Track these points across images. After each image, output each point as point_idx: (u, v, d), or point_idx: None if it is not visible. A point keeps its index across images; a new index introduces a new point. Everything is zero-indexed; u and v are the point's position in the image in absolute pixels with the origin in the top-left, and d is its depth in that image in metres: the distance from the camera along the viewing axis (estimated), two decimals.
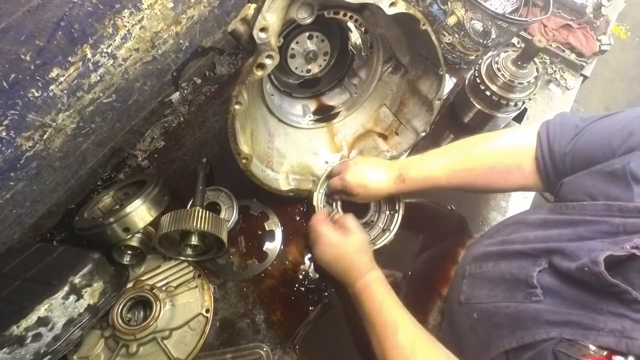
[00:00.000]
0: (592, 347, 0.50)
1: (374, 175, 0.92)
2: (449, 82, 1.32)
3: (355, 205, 1.09)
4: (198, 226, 0.86)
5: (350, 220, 0.91)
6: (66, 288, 0.75)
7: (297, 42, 0.94)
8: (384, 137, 1.16)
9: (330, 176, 1.02)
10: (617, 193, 0.60)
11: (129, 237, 0.89)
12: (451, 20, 1.21)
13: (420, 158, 0.92)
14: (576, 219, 0.64)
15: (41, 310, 0.72)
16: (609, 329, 0.51)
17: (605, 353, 0.49)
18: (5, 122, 0.78)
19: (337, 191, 0.98)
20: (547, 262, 0.61)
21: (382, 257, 1.00)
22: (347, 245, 0.86)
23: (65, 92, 0.87)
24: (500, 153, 0.83)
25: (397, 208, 1.03)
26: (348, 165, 0.96)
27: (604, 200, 0.62)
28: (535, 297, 0.60)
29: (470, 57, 1.30)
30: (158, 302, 0.87)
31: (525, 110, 1.18)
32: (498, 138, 0.87)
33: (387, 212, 1.05)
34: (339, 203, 1.00)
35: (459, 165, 0.86)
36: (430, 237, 1.10)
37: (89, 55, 0.87)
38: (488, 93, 1.09)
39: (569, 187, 0.71)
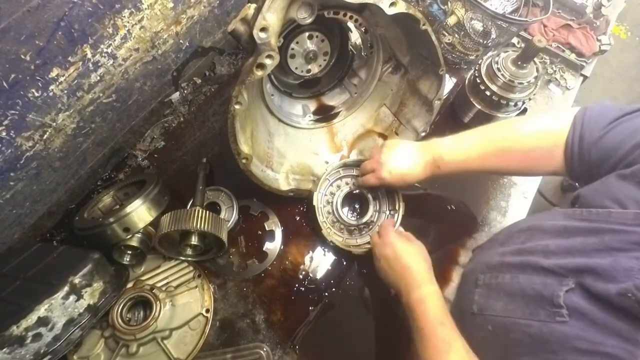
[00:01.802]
0: None
1: (409, 164, 0.91)
2: (449, 82, 1.32)
3: (356, 204, 1.10)
4: (198, 226, 0.86)
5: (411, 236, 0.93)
6: (66, 288, 0.75)
7: (297, 42, 0.94)
8: (384, 137, 1.16)
9: (359, 168, 1.04)
10: None
11: (129, 237, 0.89)
12: (451, 20, 1.21)
13: (453, 141, 0.90)
14: (601, 227, 0.60)
15: (41, 310, 0.72)
16: None
17: None
18: (5, 122, 0.78)
19: (372, 186, 0.99)
20: (574, 282, 0.58)
21: None
22: (411, 253, 0.86)
23: (65, 92, 0.87)
24: (535, 137, 0.82)
25: (397, 208, 1.04)
26: (380, 162, 0.94)
27: (635, 209, 0.58)
28: (560, 317, 0.56)
29: (470, 57, 1.30)
30: (158, 302, 0.87)
31: (525, 110, 1.18)
32: (534, 121, 0.86)
33: (387, 212, 1.05)
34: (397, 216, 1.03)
35: (492, 149, 0.85)
36: (430, 236, 1.10)
37: (89, 55, 0.87)
38: (488, 93, 1.09)
39: (590, 192, 0.68)
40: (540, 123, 0.84)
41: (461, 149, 0.88)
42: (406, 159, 0.92)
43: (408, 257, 0.85)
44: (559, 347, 0.55)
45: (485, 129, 0.90)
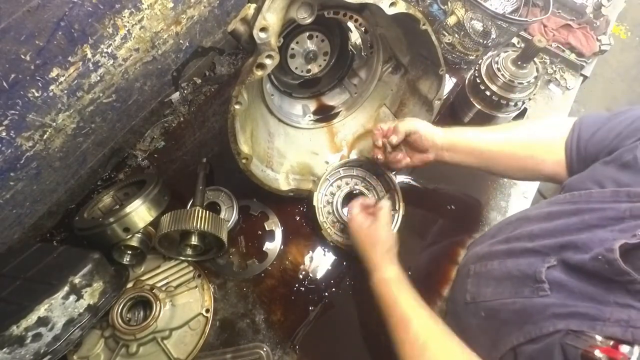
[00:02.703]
0: (599, 338, 0.50)
1: (422, 123, 0.92)
2: (449, 82, 1.32)
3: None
4: (198, 226, 0.86)
5: (383, 213, 0.90)
6: (66, 288, 0.75)
7: (297, 42, 0.94)
8: None
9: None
10: (627, 180, 0.61)
11: (129, 237, 0.89)
12: (451, 20, 1.21)
13: (464, 135, 0.92)
14: (582, 208, 0.63)
15: (41, 310, 0.72)
16: (615, 319, 0.51)
17: (611, 343, 0.49)
18: (5, 122, 0.78)
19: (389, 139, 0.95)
20: (556, 259, 0.61)
21: None
22: (371, 232, 0.88)
23: (65, 92, 0.87)
24: (536, 144, 0.84)
25: (397, 208, 1.04)
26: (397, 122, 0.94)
27: (613, 187, 0.62)
28: (542, 291, 0.60)
29: (470, 57, 1.30)
30: (158, 302, 0.87)
31: (525, 110, 1.18)
32: (536, 128, 0.88)
33: None
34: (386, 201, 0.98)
35: (497, 150, 0.87)
36: (430, 237, 1.10)
37: (89, 55, 0.87)
38: (488, 93, 1.09)
39: (575, 179, 0.71)
40: (547, 128, 0.86)
41: (472, 145, 0.89)
42: (419, 120, 0.93)
43: (372, 242, 0.87)
44: (539, 317, 0.58)
45: (495, 127, 0.93)
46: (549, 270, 0.61)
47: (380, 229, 0.87)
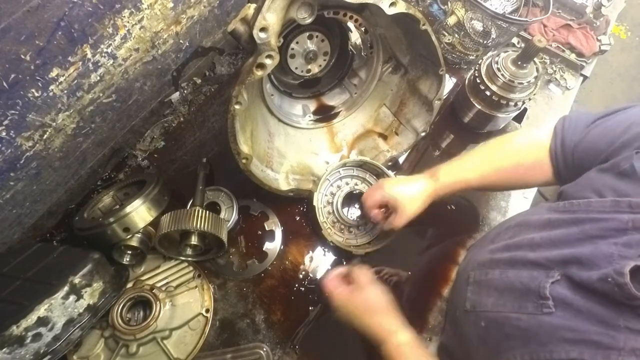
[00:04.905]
0: None
1: (413, 198, 0.91)
2: (449, 82, 1.32)
3: (356, 204, 1.10)
4: (198, 226, 0.86)
5: (363, 274, 0.84)
6: (66, 288, 0.75)
7: (297, 42, 0.94)
8: (384, 137, 1.16)
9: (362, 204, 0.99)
10: (626, 190, 0.60)
11: (129, 237, 0.90)
12: (451, 20, 1.21)
13: (449, 167, 0.92)
14: (581, 217, 0.62)
15: (41, 310, 0.72)
16: (630, 348, 0.49)
17: None
18: (5, 122, 0.78)
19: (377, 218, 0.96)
20: (560, 273, 0.59)
21: (385, 256, 1.01)
22: (361, 301, 0.81)
23: (65, 92, 0.87)
24: (523, 150, 0.86)
25: None
26: (396, 206, 0.91)
27: (612, 197, 0.61)
28: (546, 308, 0.58)
29: (470, 57, 1.30)
30: (158, 302, 0.87)
31: (525, 110, 1.18)
32: (520, 137, 0.91)
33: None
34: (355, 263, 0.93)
35: (486, 168, 0.88)
36: (431, 236, 1.10)
37: (89, 55, 0.87)
38: (488, 93, 1.09)
39: (572, 187, 0.70)
40: (527, 138, 0.89)
41: (461, 174, 0.90)
42: (410, 192, 0.91)
43: (369, 311, 0.81)
44: (547, 338, 0.57)
45: (478, 152, 0.93)
46: (552, 286, 0.59)
47: (368, 292, 0.81)
